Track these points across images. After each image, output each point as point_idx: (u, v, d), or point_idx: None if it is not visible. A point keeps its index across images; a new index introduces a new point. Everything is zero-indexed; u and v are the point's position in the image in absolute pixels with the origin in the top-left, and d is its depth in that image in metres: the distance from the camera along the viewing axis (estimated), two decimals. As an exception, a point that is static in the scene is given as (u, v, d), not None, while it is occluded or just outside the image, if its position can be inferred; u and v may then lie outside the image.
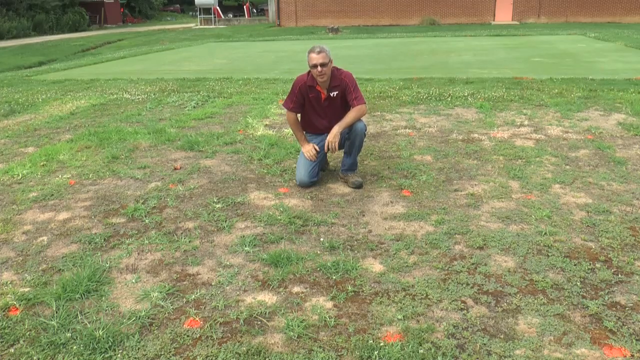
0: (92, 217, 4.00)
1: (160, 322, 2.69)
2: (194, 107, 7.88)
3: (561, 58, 13.23)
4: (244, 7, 44.77)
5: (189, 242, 3.56)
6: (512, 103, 7.59)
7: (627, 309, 2.73)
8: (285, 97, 8.21)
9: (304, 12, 33.74)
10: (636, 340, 2.49)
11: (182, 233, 3.69)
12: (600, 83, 9.02)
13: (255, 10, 48.01)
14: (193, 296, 2.90)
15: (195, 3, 40.90)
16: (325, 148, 4.38)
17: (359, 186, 4.47)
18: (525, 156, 5.15)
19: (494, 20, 31.65)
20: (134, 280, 3.08)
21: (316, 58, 4.24)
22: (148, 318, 2.71)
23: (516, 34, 22.20)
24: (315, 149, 4.47)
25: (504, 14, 31.64)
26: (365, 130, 4.52)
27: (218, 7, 41.00)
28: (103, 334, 2.54)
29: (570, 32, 22.08)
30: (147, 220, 3.89)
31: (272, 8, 37.41)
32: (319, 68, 4.25)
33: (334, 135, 4.29)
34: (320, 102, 4.47)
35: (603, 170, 4.78)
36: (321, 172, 4.75)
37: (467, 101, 7.82)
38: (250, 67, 13.08)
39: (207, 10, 40.99)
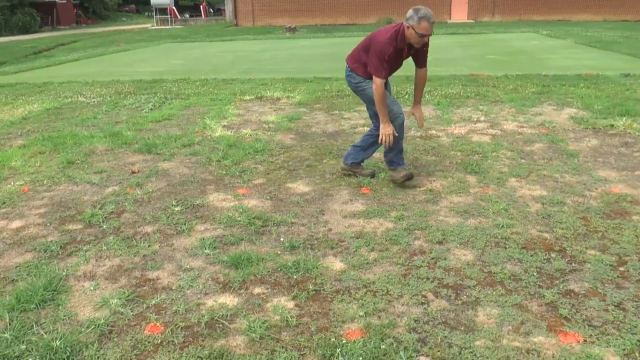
0: (47, 224, 3.90)
1: (120, 329, 2.64)
2: (151, 109, 7.76)
3: (515, 55, 13.53)
4: (201, 6, 44.30)
5: (148, 246, 3.50)
6: (469, 100, 7.73)
7: (580, 296, 2.83)
8: (241, 96, 8.26)
9: (261, 12, 33.59)
10: (588, 325, 2.58)
11: (141, 238, 3.63)
12: (553, 79, 9.28)
13: (212, 10, 47.47)
14: (153, 301, 2.86)
15: (151, 3, 40.26)
16: (420, 124, 4.56)
17: (372, 175, 4.62)
18: (482, 151, 5.25)
19: (449, 19, 32.11)
20: (92, 288, 3.01)
21: (428, 29, 3.95)
22: (107, 325, 2.65)
23: (472, 32, 22.59)
24: (395, 135, 4.27)
25: (459, 13, 32.13)
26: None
27: (174, 7, 40.47)
28: (60, 344, 2.48)
29: (524, 30, 22.60)
30: (104, 226, 3.82)
31: (228, 8, 37.10)
32: (426, 39, 4.06)
33: (421, 114, 4.51)
34: (401, 57, 4.26)
35: (557, 163, 4.91)
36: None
37: (424, 98, 7.89)
38: (207, 67, 12.95)
39: (163, 11, 40.38)
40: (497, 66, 11.34)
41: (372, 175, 4.63)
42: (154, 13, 41.26)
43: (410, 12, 4.03)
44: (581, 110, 6.89)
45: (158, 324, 2.66)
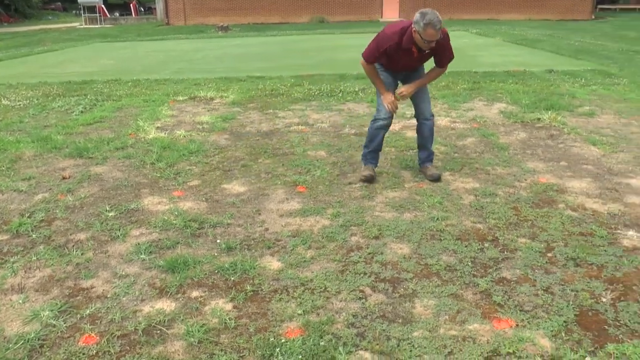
0: (-30, 236, 3.71)
1: (53, 342, 2.54)
2: (82, 111, 7.50)
3: (446, 52, 13.85)
4: (131, 5, 43.05)
5: (82, 254, 3.39)
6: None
7: (512, 282, 2.95)
8: (175, 97, 8.12)
9: (192, 10, 33.00)
10: (520, 310, 2.69)
11: (73, 246, 3.51)
12: (483, 75, 9.60)
13: (142, 9, 46.13)
14: (88, 311, 2.77)
15: (79, 1, 38.84)
16: (398, 93, 4.35)
17: (437, 179, 4.46)
18: (416, 147, 5.33)
19: (381, 17, 32.51)
20: (21, 301, 2.88)
21: (434, 35, 3.89)
22: (38, 340, 2.54)
23: (404, 30, 22.97)
24: (396, 100, 4.30)
25: (390, 12, 32.54)
26: (433, 118, 4.55)
27: (103, 6, 39.14)
28: (-15, 363, 2.36)
29: (454, 29, 23.15)
30: (34, 235, 3.66)
31: (159, 6, 36.26)
32: (433, 44, 3.98)
33: (408, 89, 4.32)
34: (412, 57, 4.20)
35: (488, 156, 5.08)
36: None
37: (358, 96, 8.02)
38: (139, 67, 12.63)
39: (91, 9, 38.96)
40: (429, 63, 11.58)
41: (438, 179, 4.50)
42: (81, 11, 39.79)
43: (417, 15, 3.93)
44: (510, 105, 7.16)
45: (93, 334, 2.58)
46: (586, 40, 16.77)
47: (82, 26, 36.50)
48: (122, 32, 27.91)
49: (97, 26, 36.15)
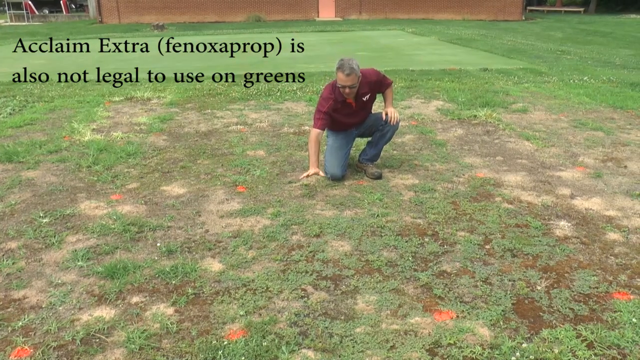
0: None
1: (-20, 357, 2.42)
2: (10, 113, 7.18)
3: (383, 52, 14.06)
4: (61, 1, 41.49)
5: (13, 264, 3.23)
6: (341, 94, 7.92)
7: (452, 275, 3.02)
8: (110, 97, 7.90)
9: (126, 8, 32.12)
10: (460, 302, 2.76)
11: (3, 255, 3.35)
12: (420, 74, 9.81)
13: (73, 6, 44.45)
14: (20, 323, 2.65)
15: (2, -3, 37.03)
16: (391, 120, 4.43)
17: (378, 177, 4.49)
18: (355, 145, 5.40)
19: (318, 16, 32.65)
20: (-56, 317, 2.73)
21: (344, 80, 4.09)
22: (-36, 356, 2.42)
23: (340, 30, 23.19)
24: (319, 175, 4.24)
25: (327, 11, 32.72)
26: (398, 125, 4.60)
27: (30, 2, 37.52)
28: None
29: (390, 28, 23.57)
30: (-42, 246, 3.48)
31: (92, 3, 35.12)
32: (347, 90, 4.12)
33: (390, 108, 4.48)
34: (352, 108, 4.36)
35: (426, 152, 5.19)
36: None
37: (296, 95, 8.04)
38: (72, 67, 12.21)
39: (17, 5, 37.25)
40: (366, 62, 11.71)
41: (379, 177, 4.54)
42: (6, 8, 38.03)
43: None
44: (447, 103, 7.34)
45: (26, 347, 2.47)
46: (518, 40, 17.40)
47: (7, 23, 34.93)
48: (53, 30, 26.88)
49: (24, 23, 34.70)
